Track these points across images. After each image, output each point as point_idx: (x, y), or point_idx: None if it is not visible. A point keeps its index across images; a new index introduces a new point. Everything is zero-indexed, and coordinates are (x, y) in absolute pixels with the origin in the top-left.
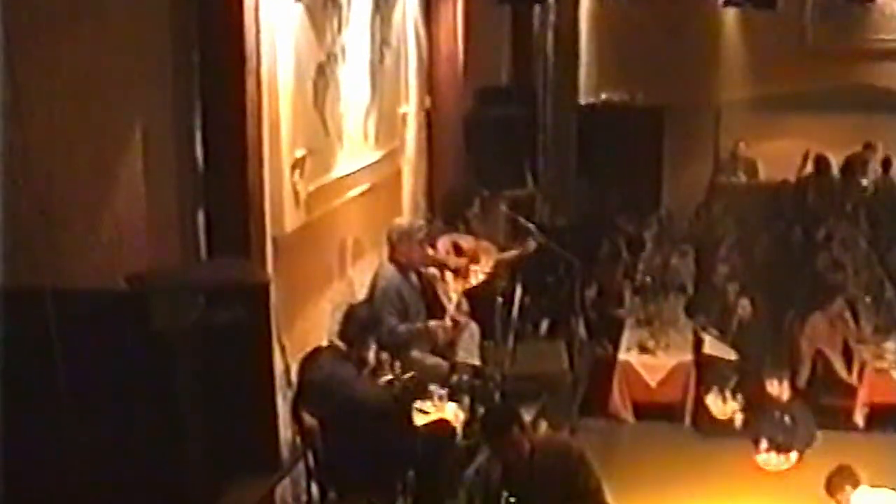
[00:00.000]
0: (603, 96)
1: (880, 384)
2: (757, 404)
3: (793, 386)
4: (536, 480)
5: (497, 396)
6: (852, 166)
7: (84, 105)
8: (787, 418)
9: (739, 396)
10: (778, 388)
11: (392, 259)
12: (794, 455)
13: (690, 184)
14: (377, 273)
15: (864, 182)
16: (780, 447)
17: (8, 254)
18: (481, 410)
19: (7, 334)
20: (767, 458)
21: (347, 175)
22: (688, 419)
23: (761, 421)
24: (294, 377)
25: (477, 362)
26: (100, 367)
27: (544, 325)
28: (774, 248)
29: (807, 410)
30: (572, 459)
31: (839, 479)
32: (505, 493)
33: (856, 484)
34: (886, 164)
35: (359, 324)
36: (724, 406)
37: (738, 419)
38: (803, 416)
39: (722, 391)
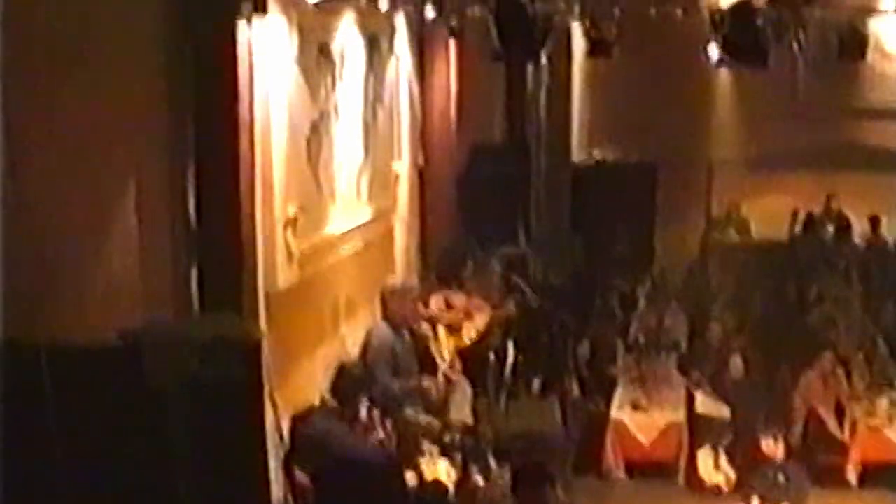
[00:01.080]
0: (596, 154)
1: (873, 442)
2: (750, 462)
3: (787, 444)
4: None
5: (489, 455)
6: (814, 222)
7: (79, 160)
8: (780, 476)
9: (731, 457)
10: (773, 447)
11: (385, 317)
12: None
13: (683, 241)
14: (370, 331)
15: (857, 240)
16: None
17: (3, 307)
18: (474, 470)
19: (2, 387)
20: None
21: (341, 233)
22: (681, 477)
23: (754, 479)
24: (286, 434)
25: (469, 420)
26: (92, 422)
27: (537, 383)
28: (767, 305)
29: (801, 468)
30: None
31: None
32: None
33: None
34: (875, 222)
35: (351, 381)
36: (714, 467)
37: (731, 479)
38: (797, 474)
39: (715, 449)
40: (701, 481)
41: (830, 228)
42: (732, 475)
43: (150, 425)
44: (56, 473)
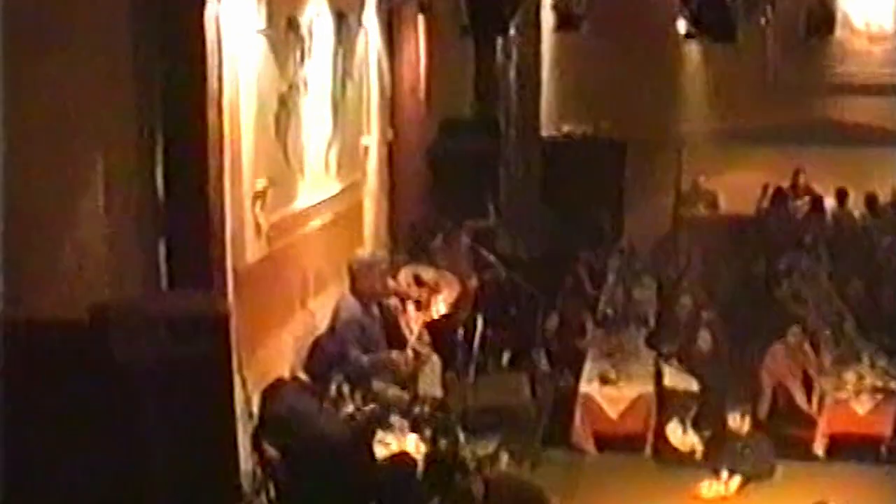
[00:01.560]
0: (565, 128)
1: (840, 414)
2: (717, 436)
3: (753, 417)
4: None
5: (458, 428)
6: (783, 196)
7: (45, 135)
8: (747, 449)
9: (699, 428)
10: (738, 422)
11: (353, 291)
12: (736, 480)
13: (652, 216)
14: (338, 305)
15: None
16: (743, 476)
17: None
18: (443, 444)
19: None
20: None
21: (309, 207)
22: (649, 450)
23: (721, 452)
24: (255, 409)
25: (439, 394)
26: (60, 398)
27: (506, 356)
28: (736, 280)
29: (766, 441)
30: (530, 498)
31: None
32: None
33: None
34: (842, 195)
35: (326, 357)
36: (683, 437)
37: (699, 451)
38: (763, 447)
39: (682, 422)
40: (670, 453)
41: (798, 203)
42: (700, 446)
43: (118, 400)
44: (25, 449)
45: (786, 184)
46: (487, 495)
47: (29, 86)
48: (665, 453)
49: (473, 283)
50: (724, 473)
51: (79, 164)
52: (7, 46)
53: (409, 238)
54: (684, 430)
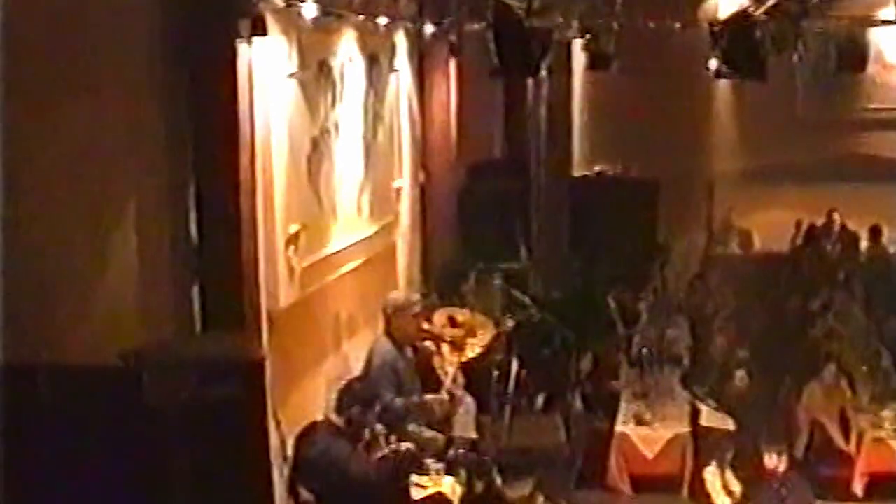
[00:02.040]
0: (596, 168)
1: (878, 453)
2: (755, 476)
3: (790, 456)
4: None
5: (494, 470)
6: (816, 235)
7: (79, 180)
8: (784, 490)
9: (736, 469)
10: (775, 462)
11: (388, 333)
12: None
13: (685, 255)
14: (372, 348)
15: (858, 251)
16: None
17: (3, 328)
18: (479, 486)
19: (2, 409)
20: None
21: (342, 250)
22: (685, 491)
23: (758, 493)
24: (290, 452)
25: (473, 436)
26: (93, 443)
27: (540, 398)
28: (770, 318)
29: (804, 481)
30: None
31: None
32: None
33: None
34: (876, 232)
35: (356, 399)
36: (721, 481)
37: (737, 493)
38: (801, 487)
39: (720, 465)
40: (706, 494)
41: (832, 241)
42: (739, 491)
43: (151, 445)
44: (57, 493)
45: (819, 220)
46: None
47: (59, 131)
48: (702, 494)
49: (508, 325)
50: None
51: (111, 209)
52: (36, 91)
53: (442, 280)
54: (722, 474)
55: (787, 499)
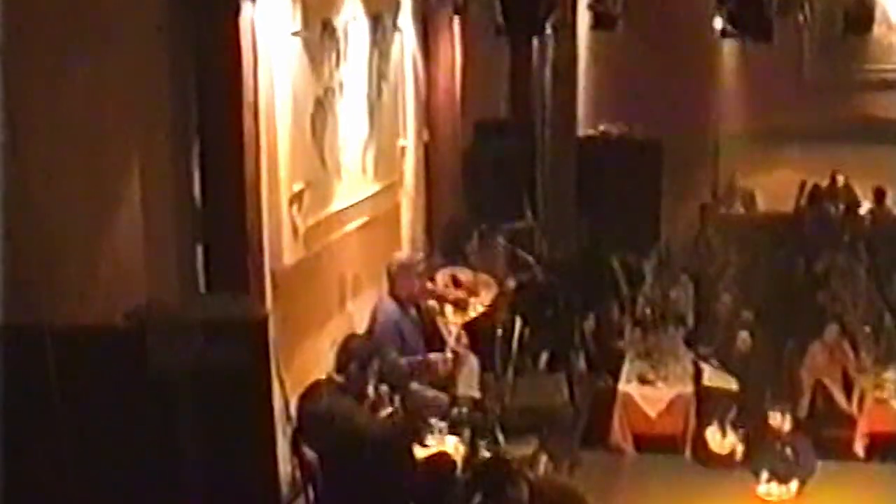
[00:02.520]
0: (601, 128)
1: (880, 414)
2: (757, 436)
3: (793, 416)
4: None
5: (497, 430)
6: (820, 196)
7: (82, 142)
8: (787, 450)
9: (739, 430)
10: (780, 421)
11: (391, 293)
12: (794, 485)
13: (689, 215)
14: (376, 307)
15: (862, 212)
16: (780, 478)
17: (6, 291)
18: (482, 445)
19: (5, 372)
20: (769, 489)
21: (346, 208)
22: (688, 450)
23: (762, 453)
24: (294, 412)
25: (477, 395)
26: (98, 404)
27: (544, 357)
28: (774, 279)
29: (807, 442)
30: (572, 502)
31: None
32: None
33: None
34: (880, 194)
35: (354, 356)
36: (722, 440)
37: (739, 451)
38: (804, 448)
39: (721, 424)
40: (709, 454)
41: (836, 202)
42: (740, 446)
43: (156, 406)
44: (61, 456)
45: (823, 182)
46: (532, 498)
47: (62, 92)
48: (704, 454)
49: (511, 284)
50: (764, 474)
51: (115, 170)
52: (40, 53)
53: (446, 240)
54: (724, 433)
55: (791, 459)
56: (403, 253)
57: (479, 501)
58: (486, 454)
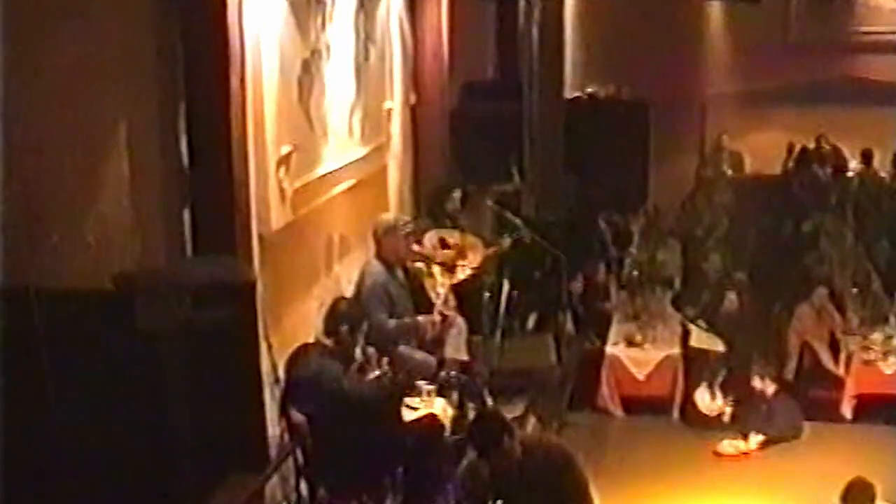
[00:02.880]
0: (588, 90)
1: (867, 376)
2: (744, 398)
3: (780, 378)
4: (525, 480)
5: (485, 392)
6: (808, 158)
7: (68, 105)
8: (774, 411)
9: (727, 392)
10: (762, 384)
11: (378, 255)
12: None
13: (677, 177)
14: (363, 270)
15: (849, 174)
16: (768, 438)
17: None
18: (470, 407)
19: None
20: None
21: (333, 171)
22: (676, 412)
23: (749, 414)
24: (281, 374)
25: (465, 357)
26: (86, 368)
27: (532, 319)
28: (762, 240)
29: (793, 403)
30: (561, 460)
31: (856, 493)
32: (492, 497)
33: (871, 500)
34: (867, 155)
35: (342, 319)
36: (711, 402)
37: (727, 413)
38: (789, 409)
39: (710, 386)
40: (697, 415)
41: (824, 165)
42: (728, 408)
43: (144, 369)
44: (50, 418)
45: (812, 143)
46: (522, 454)
47: (49, 56)
48: (692, 416)
49: (506, 243)
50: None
51: (101, 134)
52: (25, 14)
53: (433, 202)
54: (712, 395)
55: (777, 420)
56: (389, 215)
57: (470, 459)
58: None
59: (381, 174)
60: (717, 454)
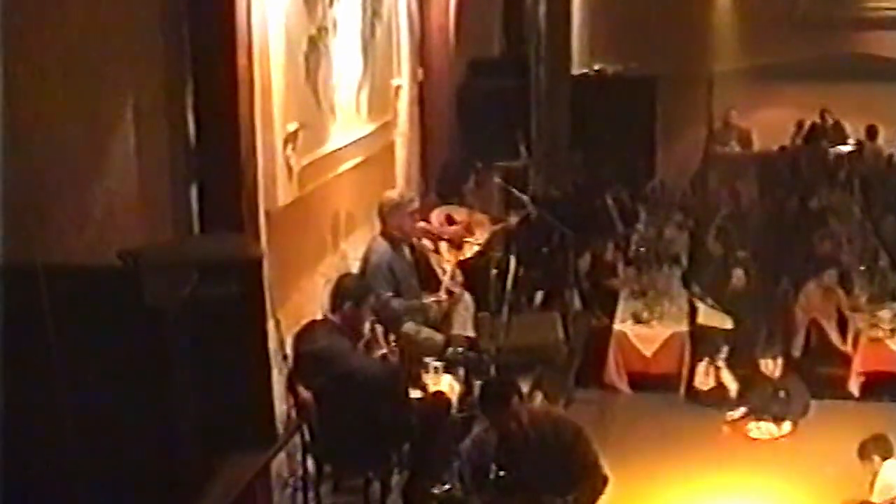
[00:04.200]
0: (596, 66)
1: (875, 353)
2: (751, 375)
3: (787, 356)
4: (532, 452)
5: (492, 368)
6: (816, 135)
7: (75, 81)
8: (780, 389)
9: (733, 367)
10: (771, 366)
11: (384, 233)
12: (787, 425)
13: (684, 154)
14: (369, 247)
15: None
16: (774, 417)
17: (2, 229)
18: (477, 382)
19: (2, 310)
20: (759, 427)
21: (340, 148)
22: (682, 389)
23: (754, 392)
24: (289, 351)
25: (472, 334)
26: (92, 344)
27: (539, 296)
28: (769, 217)
29: (800, 382)
30: (570, 434)
31: (872, 447)
32: (494, 467)
33: (887, 454)
34: (872, 132)
35: (349, 295)
36: (705, 378)
37: (732, 390)
38: (797, 388)
39: (712, 362)
40: (702, 393)
41: (828, 141)
42: (735, 388)
43: (150, 345)
44: (56, 394)
45: (819, 119)
46: (529, 424)
47: (56, 30)
48: (698, 393)
49: (505, 223)
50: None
51: (108, 109)
52: None
53: (440, 179)
54: (718, 370)
55: (784, 398)
56: (395, 192)
57: (476, 433)
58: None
59: (388, 151)
60: (751, 439)
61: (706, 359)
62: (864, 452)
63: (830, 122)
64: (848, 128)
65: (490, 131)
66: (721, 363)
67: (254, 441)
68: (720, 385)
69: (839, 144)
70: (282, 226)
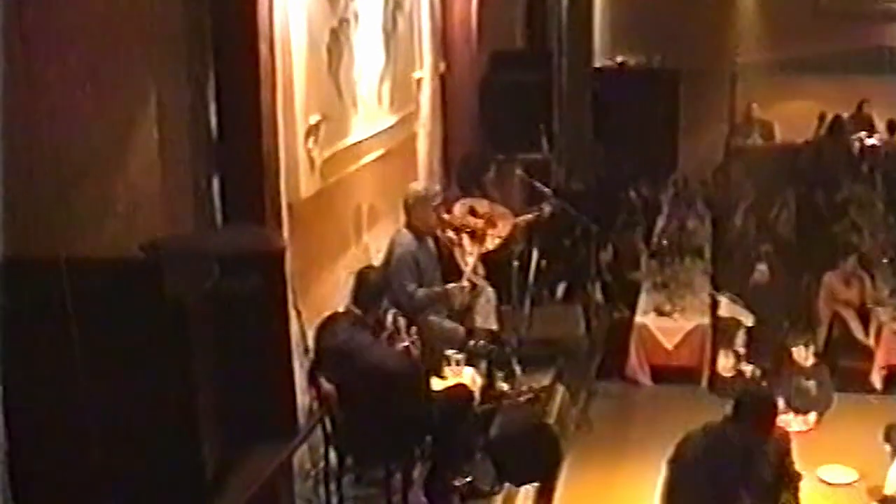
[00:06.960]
0: (618, 59)
1: None
2: (775, 368)
3: (814, 350)
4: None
5: (514, 361)
6: (840, 128)
7: (99, 73)
8: (807, 382)
9: (754, 360)
10: (804, 354)
11: (408, 224)
12: (812, 416)
13: (706, 147)
14: (393, 239)
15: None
16: (797, 409)
17: (22, 223)
18: (499, 377)
19: (22, 303)
20: (786, 420)
21: (362, 140)
22: (704, 381)
23: (778, 383)
24: (311, 343)
25: (494, 327)
26: (114, 336)
27: (561, 289)
28: (792, 210)
29: (827, 374)
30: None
31: None
32: None
33: None
34: (892, 126)
35: (371, 288)
36: (725, 361)
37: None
38: (823, 380)
39: (735, 354)
40: (725, 385)
41: (858, 132)
42: (758, 373)
43: (173, 338)
44: (77, 387)
45: (843, 112)
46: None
47: (78, 24)
48: (721, 385)
49: (527, 216)
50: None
51: (131, 102)
52: None
53: (462, 171)
54: (738, 361)
55: (808, 391)
56: (420, 184)
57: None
58: (503, 385)
59: (410, 143)
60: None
61: (731, 352)
62: (890, 436)
63: (866, 111)
64: (876, 119)
65: (512, 124)
66: (741, 350)
67: (276, 433)
68: (741, 373)
69: (865, 137)
70: (304, 218)
